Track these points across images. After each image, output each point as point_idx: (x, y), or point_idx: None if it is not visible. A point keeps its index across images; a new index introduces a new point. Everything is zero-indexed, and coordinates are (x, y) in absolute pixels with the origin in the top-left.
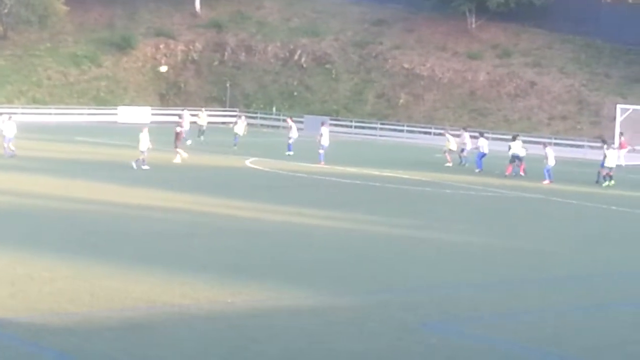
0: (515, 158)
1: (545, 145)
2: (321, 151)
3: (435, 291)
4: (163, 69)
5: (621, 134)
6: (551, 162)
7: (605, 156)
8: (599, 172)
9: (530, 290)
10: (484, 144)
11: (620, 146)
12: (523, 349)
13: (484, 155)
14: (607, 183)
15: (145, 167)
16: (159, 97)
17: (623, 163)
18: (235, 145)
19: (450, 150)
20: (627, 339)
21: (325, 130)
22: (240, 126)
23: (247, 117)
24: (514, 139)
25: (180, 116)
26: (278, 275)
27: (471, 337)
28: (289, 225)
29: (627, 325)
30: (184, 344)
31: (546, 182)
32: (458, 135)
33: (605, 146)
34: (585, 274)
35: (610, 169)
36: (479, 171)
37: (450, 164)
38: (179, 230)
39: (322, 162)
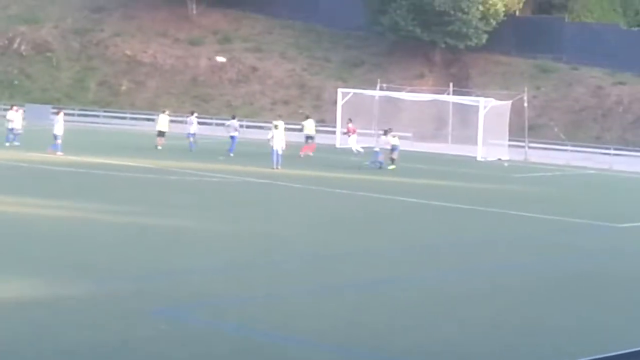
0: (308, 138)
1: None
2: (59, 141)
3: (163, 278)
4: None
5: (349, 120)
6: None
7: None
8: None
9: (257, 275)
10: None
11: (349, 131)
12: (252, 332)
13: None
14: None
15: None
16: None
17: (354, 148)
18: None
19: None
20: (349, 320)
21: (60, 119)
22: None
23: None
24: (306, 118)
25: None
26: (3, 266)
27: (200, 322)
28: (11, 214)
29: (350, 306)
30: None
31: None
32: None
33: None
34: (311, 257)
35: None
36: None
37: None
38: None
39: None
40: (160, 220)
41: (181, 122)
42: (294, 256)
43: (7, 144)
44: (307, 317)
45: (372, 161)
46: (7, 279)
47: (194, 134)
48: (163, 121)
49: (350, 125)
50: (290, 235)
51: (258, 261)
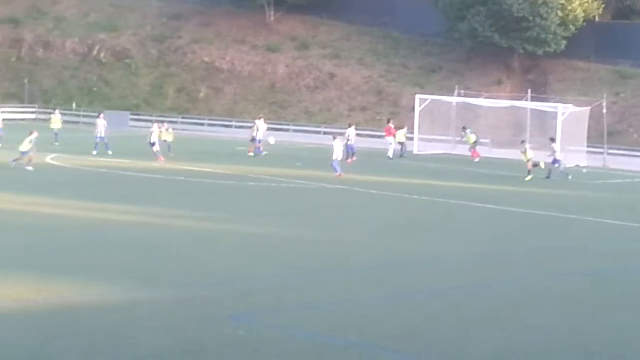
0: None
1: (334, 137)
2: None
3: (240, 284)
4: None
5: (388, 120)
6: (337, 155)
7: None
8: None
9: (333, 281)
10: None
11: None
12: (328, 338)
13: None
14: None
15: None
16: None
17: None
18: (56, 142)
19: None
20: (424, 327)
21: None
22: (56, 121)
23: (47, 113)
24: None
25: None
26: (81, 271)
27: (277, 328)
28: (92, 221)
29: (424, 312)
30: None
31: (337, 174)
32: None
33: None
34: (385, 263)
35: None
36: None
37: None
38: None
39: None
40: (237, 226)
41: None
42: (370, 262)
43: (95, 153)
44: (383, 324)
45: (561, 171)
46: (85, 285)
47: (260, 140)
48: (261, 128)
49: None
50: (367, 242)
51: (334, 267)
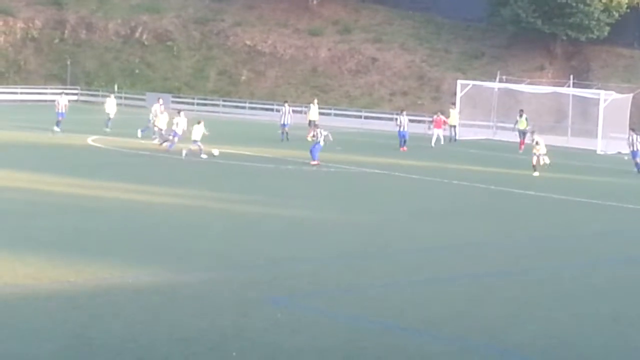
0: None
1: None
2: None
3: (278, 266)
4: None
5: (438, 112)
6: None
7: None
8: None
9: (373, 264)
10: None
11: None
12: (367, 322)
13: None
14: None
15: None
16: None
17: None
18: (107, 127)
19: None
20: (464, 311)
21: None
22: (111, 105)
23: (89, 95)
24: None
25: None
26: (121, 253)
27: (315, 311)
28: (132, 202)
29: (465, 297)
30: (27, 324)
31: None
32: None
33: None
34: (424, 248)
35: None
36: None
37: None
38: (20, 210)
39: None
40: (276, 209)
41: (300, 111)
42: (410, 247)
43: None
44: (422, 308)
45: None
46: (125, 266)
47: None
48: (314, 111)
49: (437, 116)
50: (406, 226)
51: (374, 251)
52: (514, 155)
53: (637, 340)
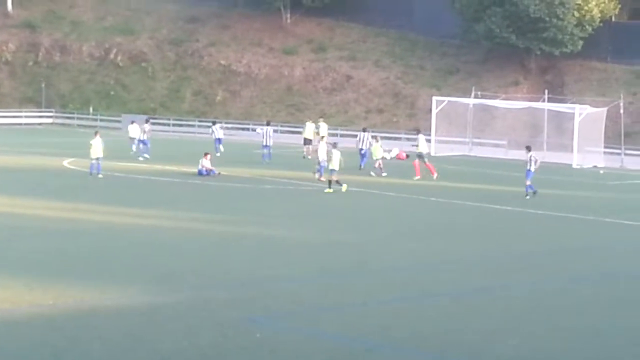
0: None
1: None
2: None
3: (257, 286)
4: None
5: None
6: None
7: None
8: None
9: (353, 283)
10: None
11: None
12: (348, 340)
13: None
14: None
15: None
16: None
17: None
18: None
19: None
20: (446, 328)
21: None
22: (134, 130)
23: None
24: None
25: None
26: (100, 275)
27: (295, 331)
28: (110, 224)
29: (446, 314)
30: (6, 348)
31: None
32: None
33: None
34: (404, 265)
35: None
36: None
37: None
38: None
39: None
40: (254, 229)
41: (277, 131)
42: (390, 265)
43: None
44: (404, 325)
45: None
46: (104, 288)
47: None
48: (309, 129)
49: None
50: (385, 244)
51: (354, 269)
52: (490, 171)
53: (617, 353)
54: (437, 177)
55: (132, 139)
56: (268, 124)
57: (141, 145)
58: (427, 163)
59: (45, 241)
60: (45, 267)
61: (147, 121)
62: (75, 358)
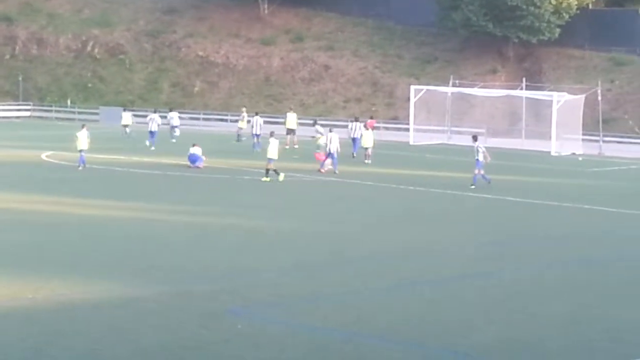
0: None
1: (330, 129)
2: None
3: (238, 277)
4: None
5: (371, 117)
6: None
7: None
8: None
9: (332, 273)
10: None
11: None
12: (327, 330)
13: None
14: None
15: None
16: None
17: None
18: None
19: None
20: (424, 317)
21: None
22: (127, 118)
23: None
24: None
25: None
26: (81, 268)
27: (276, 322)
28: (89, 217)
29: (424, 302)
30: None
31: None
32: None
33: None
34: (383, 254)
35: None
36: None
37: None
38: None
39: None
40: (233, 220)
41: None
42: (368, 254)
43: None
44: (382, 314)
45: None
46: (84, 281)
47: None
48: (291, 119)
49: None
50: (364, 233)
51: (331, 259)
52: (469, 159)
53: (594, 339)
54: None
55: (125, 126)
56: (256, 114)
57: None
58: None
59: (24, 234)
60: (24, 261)
61: (154, 112)
62: (56, 352)
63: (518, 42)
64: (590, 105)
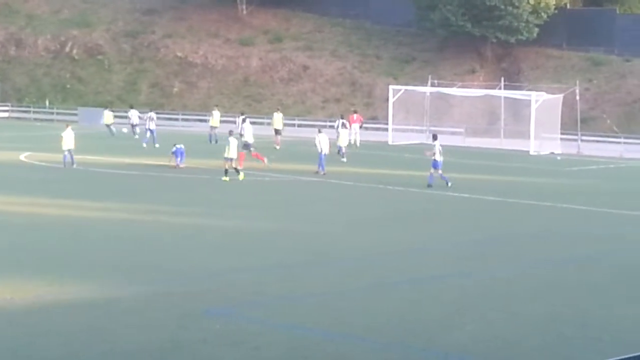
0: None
1: (319, 130)
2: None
3: (217, 277)
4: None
5: (354, 111)
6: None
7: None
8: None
9: (311, 273)
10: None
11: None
12: (307, 330)
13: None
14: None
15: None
16: None
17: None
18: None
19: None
20: (404, 316)
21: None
22: (108, 117)
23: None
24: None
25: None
26: (59, 269)
27: (255, 322)
28: (67, 218)
29: (404, 302)
30: None
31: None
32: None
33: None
34: (363, 254)
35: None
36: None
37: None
38: None
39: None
40: (213, 220)
41: (232, 122)
42: (348, 254)
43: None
44: (361, 314)
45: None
46: (62, 282)
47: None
48: (277, 119)
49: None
50: (344, 233)
51: (312, 260)
52: (447, 159)
53: (573, 338)
54: (267, 162)
55: (108, 125)
56: (242, 113)
57: (148, 134)
58: (254, 152)
59: (2, 236)
60: (2, 262)
61: (150, 110)
62: (34, 353)
63: (496, 42)
64: (568, 104)
